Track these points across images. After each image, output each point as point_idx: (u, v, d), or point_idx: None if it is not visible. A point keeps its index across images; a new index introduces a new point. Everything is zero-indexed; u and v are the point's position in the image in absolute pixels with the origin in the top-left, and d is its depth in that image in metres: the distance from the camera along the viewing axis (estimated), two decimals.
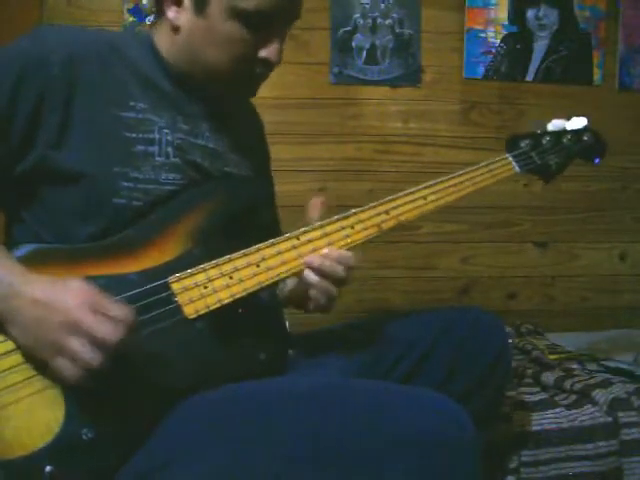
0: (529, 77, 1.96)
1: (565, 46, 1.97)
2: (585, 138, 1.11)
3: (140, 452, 0.72)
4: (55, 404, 0.70)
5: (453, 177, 0.99)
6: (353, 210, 0.90)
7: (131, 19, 1.76)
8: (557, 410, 1.28)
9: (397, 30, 1.88)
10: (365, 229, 0.90)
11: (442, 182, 0.98)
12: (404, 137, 1.92)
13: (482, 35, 1.92)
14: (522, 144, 1.07)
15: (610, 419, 1.27)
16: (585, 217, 2.02)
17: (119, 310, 0.68)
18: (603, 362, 1.56)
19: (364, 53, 1.87)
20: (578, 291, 2.04)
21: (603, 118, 1.99)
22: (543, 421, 1.25)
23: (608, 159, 2.03)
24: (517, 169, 1.05)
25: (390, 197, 0.95)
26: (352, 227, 0.89)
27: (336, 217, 0.89)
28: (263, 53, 0.86)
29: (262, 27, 0.85)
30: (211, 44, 0.85)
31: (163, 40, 0.89)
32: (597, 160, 1.13)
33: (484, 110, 1.95)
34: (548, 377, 1.44)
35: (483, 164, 1.02)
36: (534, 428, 1.24)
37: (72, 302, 0.67)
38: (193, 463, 0.69)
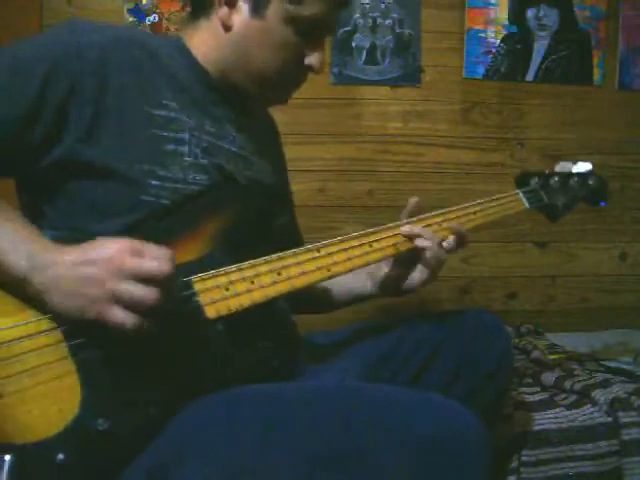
0: (529, 77, 1.96)
1: (565, 46, 1.97)
2: (590, 182, 1.16)
3: (152, 447, 0.72)
4: (72, 392, 0.69)
5: (465, 207, 1.04)
6: (370, 229, 0.94)
7: (131, 19, 1.76)
8: (557, 410, 1.28)
9: (397, 30, 1.89)
10: (381, 249, 0.94)
11: (454, 211, 1.02)
12: (404, 137, 1.92)
13: (482, 35, 1.92)
14: (532, 182, 1.13)
15: (610, 419, 1.27)
16: (585, 217, 2.02)
17: (159, 249, 0.69)
18: (603, 362, 1.56)
19: (364, 53, 1.87)
20: (578, 291, 2.04)
21: (603, 118, 2.01)
22: (543, 421, 1.25)
23: (608, 159, 2.04)
24: (527, 205, 1.10)
25: (405, 221, 0.98)
26: (370, 245, 0.92)
27: (356, 234, 0.92)
28: (308, 61, 0.91)
29: (312, 35, 0.89)
30: (264, 46, 0.88)
31: (199, 41, 0.91)
32: (603, 204, 1.18)
33: (484, 110, 1.95)
34: (548, 377, 1.44)
35: (494, 197, 1.07)
36: (534, 428, 1.24)
37: (111, 251, 0.68)
38: (205, 460, 0.69)
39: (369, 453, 0.68)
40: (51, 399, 0.69)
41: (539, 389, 1.42)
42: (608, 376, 1.44)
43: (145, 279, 0.67)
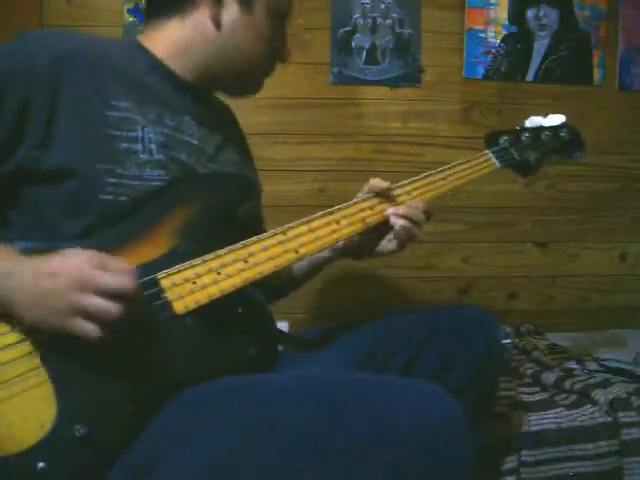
0: (529, 77, 1.96)
1: (565, 46, 1.97)
2: (562, 134, 1.14)
3: (134, 447, 0.72)
4: (48, 401, 0.70)
5: (436, 172, 1.03)
6: (337, 206, 0.93)
7: (131, 19, 1.76)
8: (557, 410, 1.28)
9: (397, 30, 1.88)
10: (351, 224, 0.93)
11: (425, 177, 1.01)
12: (404, 137, 1.92)
13: (482, 35, 1.92)
14: (501, 140, 1.10)
15: (610, 419, 1.27)
16: (585, 217, 2.02)
17: (121, 264, 0.70)
18: (603, 362, 1.56)
19: (364, 53, 1.87)
20: (578, 291, 2.04)
21: (603, 118, 2.01)
22: (543, 421, 1.25)
23: (608, 159, 2.04)
24: (497, 164, 1.08)
25: (371, 194, 0.98)
26: (338, 222, 0.92)
27: (321, 213, 0.91)
28: (282, 49, 0.99)
29: (283, 25, 0.98)
30: (252, 39, 0.94)
31: (161, 40, 0.93)
32: (576, 154, 1.15)
33: (484, 110, 1.95)
34: (548, 377, 1.44)
35: (463, 160, 1.05)
36: (534, 428, 1.24)
37: (75, 264, 0.69)
38: (188, 456, 0.69)
39: (352, 442, 0.68)
40: (28, 409, 0.69)
41: (539, 389, 1.42)
42: (608, 376, 1.44)
43: (108, 291, 0.68)
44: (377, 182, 0.99)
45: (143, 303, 0.74)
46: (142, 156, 0.85)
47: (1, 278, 0.69)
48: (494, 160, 1.07)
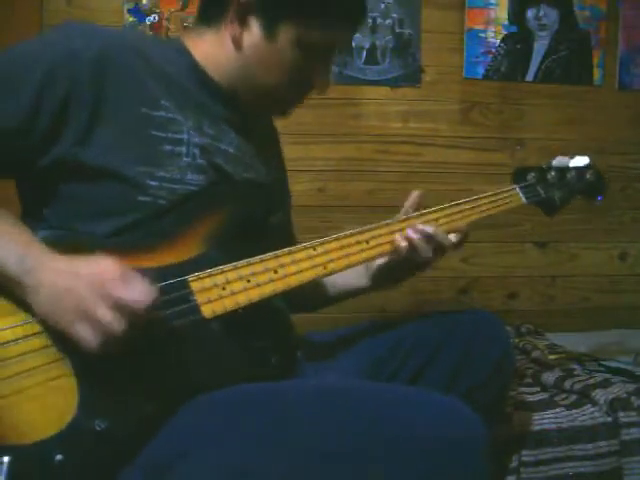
0: (529, 77, 1.96)
1: (565, 46, 1.97)
2: (588, 176, 1.16)
3: (150, 446, 0.72)
4: (69, 393, 0.70)
5: (463, 202, 1.03)
6: (369, 226, 0.94)
7: (131, 19, 1.76)
8: (557, 410, 1.28)
9: (397, 30, 1.89)
10: (379, 245, 0.94)
11: (453, 206, 1.02)
12: (404, 137, 1.92)
13: (482, 35, 1.92)
14: (528, 177, 1.12)
15: (610, 419, 1.27)
16: (585, 217, 2.02)
17: (143, 283, 0.69)
18: (603, 362, 1.56)
19: (364, 53, 1.87)
20: (578, 291, 2.04)
21: (603, 118, 2.01)
22: (543, 421, 1.25)
23: (608, 159, 2.04)
24: (524, 200, 1.09)
25: (403, 217, 0.98)
26: (367, 242, 0.93)
27: (351, 231, 0.92)
28: (317, 83, 0.94)
29: (322, 59, 0.92)
30: (273, 68, 0.90)
31: (203, 48, 0.91)
32: (600, 198, 1.18)
33: (484, 110, 1.95)
34: (548, 377, 1.44)
35: (491, 193, 1.07)
36: (534, 428, 1.24)
37: (98, 269, 0.68)
38: (208, 455, 0.69)
39: (370, 452, 0.68)
40: (49, 400, 0.69)
41: (539, 389, 1.42)
42: (608, 376, 1.44)
43: (122, 307, 0.67)
44: (415, 197, 1.00)
45: (159, 318, 0.73)
46: (185, 159, 0.84)
47: (26, 272, 0.69)
48: (521, 195, 1.09)
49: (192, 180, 0.84)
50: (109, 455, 0.70)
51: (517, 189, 1.09)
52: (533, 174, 1.12)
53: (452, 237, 0.99)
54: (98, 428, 0.69)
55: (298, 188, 1.84)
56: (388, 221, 0.96)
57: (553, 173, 1.14)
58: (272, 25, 0.86)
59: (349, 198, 1.87)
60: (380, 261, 1.02)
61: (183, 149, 0.84)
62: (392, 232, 0.95)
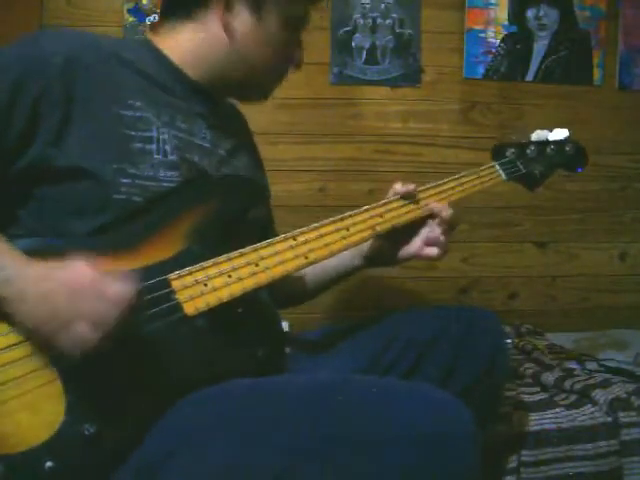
0: (529, 77, 1.96)
1: (565, 46, 1.97)
2: (567, 149, 1.16)
3: (141, 448, 0.72)
4: (56, 399, 0.70)
5: (443, 183, 1.03)
6: (348, 213, 0.93)
7: (131, 19, 1.76)
8: (557, 410, 1.28)
9: (397, 30, 1.89)
10: (360, 231, 0.93)
11: (433, 187, 1.02)
12: (404, 137, 1.92)
13: (482, 35, 1.92)
14: (507, 153, 1.11)
15: (610, 419, 1.27)
16: (585, 217, 2.02)
17: (120, 287, 0.68)
18: (603, 362, 1.56)
19: (364, 53, 1.87)
20: (578, 291, 2.04)
21: (603, 118, 2.01)
22: (543, 421, 1.25)
23: (608, 159, 2.04)
24: (504, 177, 1.09)
25: (384, 201, 0.98)
26: (347, 229, 0.92)
27: (331, 219, 0.91)
28: (296, 57, 0.99)
29: (298, 31, 0.97)
30: (264, 47, 0.94)
31: (175, 42, 0.93)
32: (579, 169, 1.17)
33: (484, 110, 1.95)
34: (548, 377, 1.44)
35: (471, 171, 1.06)
36: (534, 428, 1.24)
37: (72, 275, 0.68)
38: (195, 456, 0.69)
39: (362, 446, 0.68)
40: (37, 407, 0.69)
41: (539, 389, 1.42)
42: (608, 376, 1.44)
43: (98, 315, 0.67)
44: (400, 186, 0.99)
45: (139, 319, 0.73)
46: (156, 157, 0.85)
47: (5, 282, 0.68)
48: (500, 172, 1.09)
49: (165, 177, 0.85)
50: (100, 459, 0.70)
51: (497, 166, 1.09)
52: (513, 150, 1.11)
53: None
54: (87, 432, 0.69)
55: (298, 188, 1.85)
56: (367, 207, 0.96)
57: (532, 147, 1.13)
58: (260, 5, 0.92)
59: (349, 198, 1.87)
60: (374, 242, 1.02)
61: (153, 147, 0.85)
62: (372, 217, 0.95)
